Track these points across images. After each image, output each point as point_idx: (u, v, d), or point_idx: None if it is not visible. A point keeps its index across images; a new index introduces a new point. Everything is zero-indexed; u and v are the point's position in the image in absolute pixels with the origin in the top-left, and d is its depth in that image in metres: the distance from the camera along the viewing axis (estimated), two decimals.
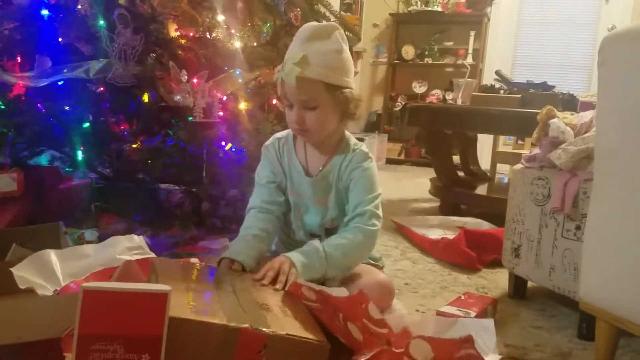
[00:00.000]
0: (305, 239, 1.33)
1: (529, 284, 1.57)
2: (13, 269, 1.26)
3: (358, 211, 1.28)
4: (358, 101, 1.29)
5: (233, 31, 1.95)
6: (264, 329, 0.86)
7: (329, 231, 1.34)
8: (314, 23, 1.29)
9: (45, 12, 1.79)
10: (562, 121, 1.40)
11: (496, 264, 1.81)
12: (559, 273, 1.38)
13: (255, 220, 1.32)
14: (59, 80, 1.73)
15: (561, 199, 1.35)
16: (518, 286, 1.58)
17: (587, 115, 1.42)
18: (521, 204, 1.50)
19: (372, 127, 5.56)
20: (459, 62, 5.32)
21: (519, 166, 1.55)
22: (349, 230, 1.27)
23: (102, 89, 1.77)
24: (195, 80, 1.77)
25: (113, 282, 1.06)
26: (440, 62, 5.48)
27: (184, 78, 1.73)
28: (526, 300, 1.57)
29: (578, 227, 1.33)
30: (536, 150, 1.49)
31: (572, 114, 1.46)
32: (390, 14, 5.61)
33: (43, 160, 1.89)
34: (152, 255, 1.50)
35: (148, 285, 0.86)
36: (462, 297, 1.40)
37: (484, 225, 2.28)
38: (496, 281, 1.74)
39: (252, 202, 1.38)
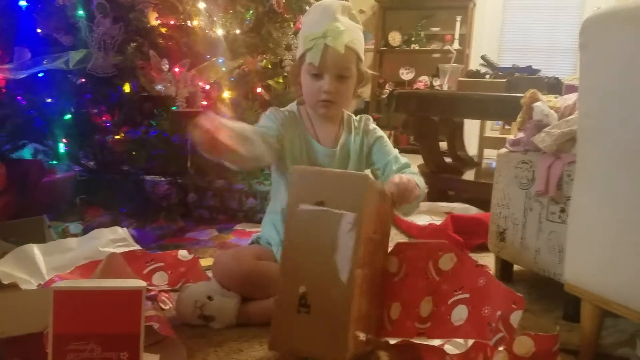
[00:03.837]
0: None
1: (515, 267, 1.58)
2: None
3: (402, 163, 1.36)
4: (368, 81, 1.37)
5: (215, 18, 1.93)
6: None
7: None
8: (329, 1, 1.30)
9: (23, 2, 1.77)
10: (546, 104, 1.40)
11: (483, 248, 1.81)
12: (544, 256, 1.38)
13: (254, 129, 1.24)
14: (39, 72, 1.71)
15: (545, 182, 1.35)
16: (504, 270, 1.58)
17: (570, 98, 1.42)
18: (506, 188, 1.50)
19: (360, 114, 5.54)
20: (446, 47, 5.31)
21: (503, 150, 1.55)
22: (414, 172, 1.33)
23: (82, 80, 1.75)
24: (177, 69, 1.75)
25: (86, 281, 1.05)
26: (427, 48, 5.47)
27: (166, 67, 1.71)
28: (512, 283, 1.57)
29: (562, 210, 1.33)
30: (521, 134, 1.49)
31: (556, 97, 1.46)
32: (376, 0, 5.58)
33: (26, 153, 1.87)
34: (137, 247, 1.49)
35: (122, 282, 0.85)
36: None
37: (471, 211, 2.29)
38: None
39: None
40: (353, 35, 1.27)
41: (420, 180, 1.29)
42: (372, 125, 1.41)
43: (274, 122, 1.32)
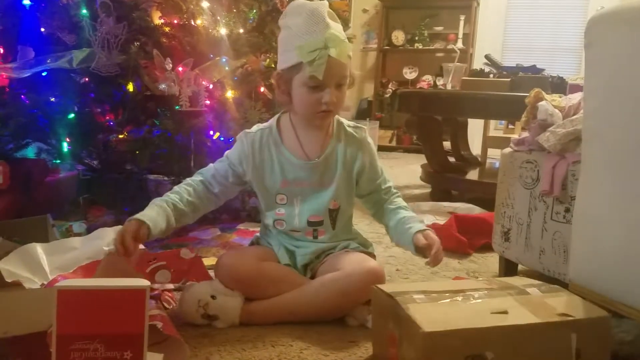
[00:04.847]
0: (301, 227, 1.31)
1: (520, 267, 1.58)
2: None
3: (388, 185, 1.39)
4: (355, 81, 1.35)
5: (218, 17, 1.93)
6: None
7: (332, 211, 1.33)
8: (311, 3, 1.25)
9: (26, 1, 1.77)
10: (550, 104, 1.40)
11: (487, 248, 1.81)
12: (549, 256, 1.38)
13: (193, 192, 1.30)
14: (43, 71, 1.71)
15: (550, 182, 1.35)
16: (508, 269, 1.58)
17: (575, 98, 1.41)
18: (510, 188, 1.50)
19: (363, 114, 5.54)
20: (449, 47, 5.30)
21: (507, 150, 1.54)
22: (404, 206, 1.37)
23: (86, 79, 1.75)
24: (180, 69, 1.75)
25: (89, 280, 1.05)
26: (430, 47, 5.46)
27: (169, 66, 1.71)
28: None
29: (567, 210, 1.33)
30: (525, 134, 1.49)
31: (560, 97, 1.45)
32: None
33: (29, 152, 1.87)
34: (140, 246, 1.49)
35: (126, 281, 0.84)
36: None
37: (475, 211, 2.28)
38: (487, 265, 1.74)
39: (205, 170, 1.35)
40: (347, 40, 1.25)
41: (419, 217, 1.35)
42: (364, 134, 1.37)
43: (237, 154, 1.33)
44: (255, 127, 1.36)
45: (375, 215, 1.43)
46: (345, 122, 1.38)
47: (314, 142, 1.32)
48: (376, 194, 1.39)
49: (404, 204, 1.38)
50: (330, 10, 1.25)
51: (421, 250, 1.24)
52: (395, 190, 1.41)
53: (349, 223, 1.40)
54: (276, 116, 1.37)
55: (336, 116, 1.36)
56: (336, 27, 1.23)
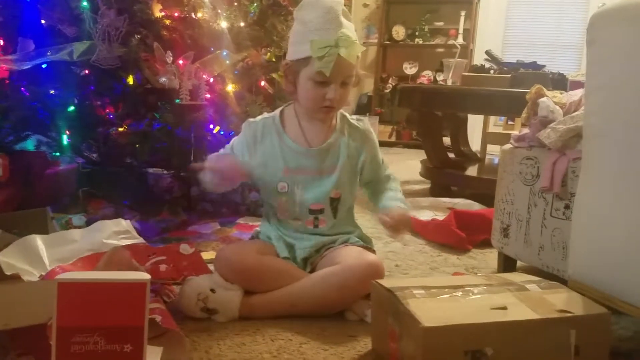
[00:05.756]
0: (302, 215, 1.33)
1: (518, 263, 1.58)
2: None
3: (387, 173, 1.45)
4: (360, 80, 1.39)
5: (219, 11, 1.93)
6: None
7: (334, 200, 1.34)
8: (328, 0, 1.26)
9: None
10: (551, 100, 1.40)
11: (486, 244, 1.81)
12: (548, 252, 1.38)
13: None
14: (43, 63, 1.71)
15: (550, 178, 1.35)
16: (507, 266, 1.58)
17: (576, 94, 1.41)
18: (510, 184, 1.50)
19: (363, 109, 5.53)
20: (450, 42, 5.29)
21: (508, 146, 1.54)
22: (394, 188, 1.42)
23: (86, 71, 1.74)
24: (181, 62, 1.75)
25: (89, 273, 1.05)
26: (431, 43, 5.45)
27: (170, 59, 1.71)
28: None
29: (567, 207, 1.33)
30: (525, 130, 1.49)
31: (561, 93, 1.45)
32: None
33: (29, 145, 1.87)
34: (141, 240, 1.49)
35: (126, 274, 0.84)
36: None
37: (474, 206, 2.28)
38: (486, 261, 1.74)
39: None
40: (357, 41, 1.27)
41: (402, 198, 1.39)
42: (368, 128, 1.41)
43: (243, 143, 1.36)
44: (259, 117, 1.40)
45: (371, 197, 1.47)
46: (352, 117, 1.41)
47: (316, 132, 1.35)
48: (375, 183, 1.44)
49: (394, 185, 1.43)
50: (345, 9, 1.27)
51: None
52: (393, 177, 1.46)
53: (351, 214, 1.42)
54: (281, 107, 1.40)
55: (340, 110, 1.38)
56: (349, 27, 1.26)
